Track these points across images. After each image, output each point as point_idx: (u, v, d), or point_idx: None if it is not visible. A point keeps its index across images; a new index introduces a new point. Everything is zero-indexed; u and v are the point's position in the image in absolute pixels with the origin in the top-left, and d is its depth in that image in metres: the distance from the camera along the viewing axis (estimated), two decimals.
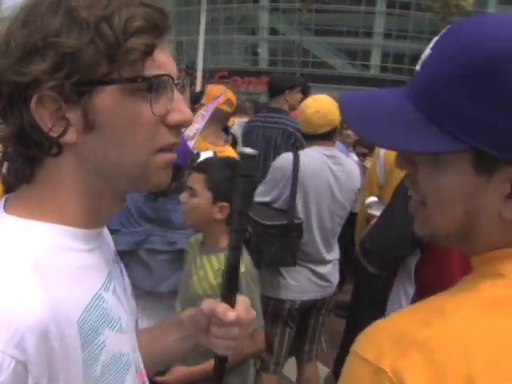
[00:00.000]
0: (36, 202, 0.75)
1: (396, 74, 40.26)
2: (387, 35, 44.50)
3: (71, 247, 0.75)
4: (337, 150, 3.00)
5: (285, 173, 2.82)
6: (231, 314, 0.95)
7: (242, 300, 0.99)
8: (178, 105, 0.78)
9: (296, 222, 2.77)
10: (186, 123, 0.80)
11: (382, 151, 3.21)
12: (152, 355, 1.02)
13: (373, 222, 2.21)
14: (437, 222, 0.73)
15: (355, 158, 4.72)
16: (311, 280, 2.91)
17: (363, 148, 4.99)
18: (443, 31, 0.74)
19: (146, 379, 0.94)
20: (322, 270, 2.92)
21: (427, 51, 1.05)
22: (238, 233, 0.95)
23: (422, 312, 0.69)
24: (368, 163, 4.26)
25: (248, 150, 0.87)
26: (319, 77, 35.73)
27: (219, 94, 3.44)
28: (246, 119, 5.12)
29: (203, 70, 10.40)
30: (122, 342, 0.82)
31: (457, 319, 0.65)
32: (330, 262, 2.98)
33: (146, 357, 0.95)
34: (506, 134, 0.64)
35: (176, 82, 0.78)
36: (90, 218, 0.78)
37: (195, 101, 5.22)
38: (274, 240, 2.72)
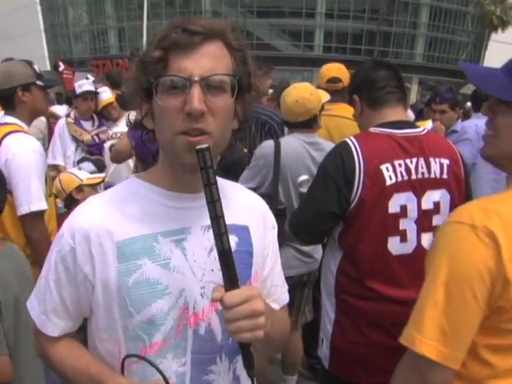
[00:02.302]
0: (150, 171, 1.19)
1: (339, 54, 40.70)
2: (329, 15, 44.98)
3: (153, 199, 1.12)
4: (317, 137, 3.05)
5: (267, 160, 2.93)
6: (215, 295, 0.97)
7: (243, 287, 0.98)
8: (189, 97, 0.99)
9: (279, 207, 2.85)
10: (191, 111, 0.99)
11: None
12: None
13: None
14: (503, 147, 1.24)
15: None
16: (296, 257, 3.02)
17: None
18: None
19: (200, 321, 1.11)
20: (305, 248, 3.02)
21: None
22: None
23: (494, 198, 1.25)
24: None
25: (199, 146, 0.97)
26: (264, 59, 35.44)
27: None
28: None
29: None
30: (162, 275, 1.08)
31: None
32: None
33: None
34: None
35: (196, 79, 1.00)
36: (172, 183, 1.13)
37: None
38: None
